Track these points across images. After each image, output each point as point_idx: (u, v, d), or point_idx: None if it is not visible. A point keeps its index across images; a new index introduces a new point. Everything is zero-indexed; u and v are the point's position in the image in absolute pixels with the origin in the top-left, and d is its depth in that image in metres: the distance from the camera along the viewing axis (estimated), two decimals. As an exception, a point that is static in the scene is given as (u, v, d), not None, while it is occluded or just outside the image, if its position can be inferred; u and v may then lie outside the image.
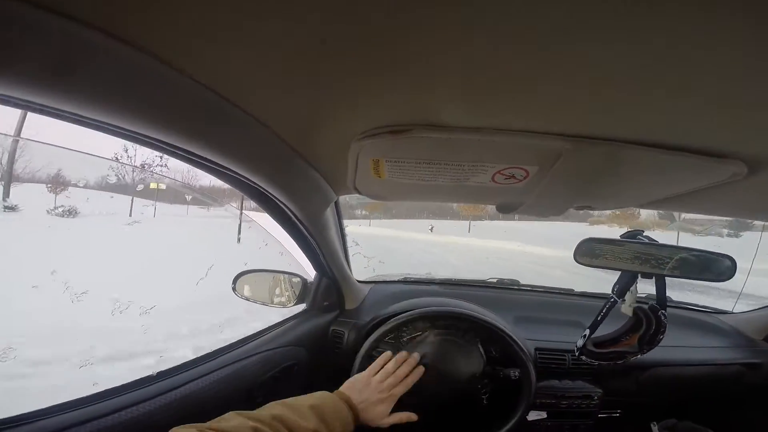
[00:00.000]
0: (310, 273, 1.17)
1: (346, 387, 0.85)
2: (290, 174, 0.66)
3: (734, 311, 1.50)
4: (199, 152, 0.51)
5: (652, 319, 0.90)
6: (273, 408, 0.67)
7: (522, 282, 1.53)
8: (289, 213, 0.80)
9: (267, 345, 1.00)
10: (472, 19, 0.27)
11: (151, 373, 0.77)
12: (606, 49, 0.30)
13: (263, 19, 0.29)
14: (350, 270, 1.25)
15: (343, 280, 1.19)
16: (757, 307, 1.45)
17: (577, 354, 0.95)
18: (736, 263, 0.93)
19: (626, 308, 0.90)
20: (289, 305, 1.14)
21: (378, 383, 0.86)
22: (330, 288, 1.19)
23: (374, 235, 16.31)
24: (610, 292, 1.47)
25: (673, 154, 0.47)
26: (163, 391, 0.74)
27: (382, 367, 0.89)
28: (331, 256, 1.06)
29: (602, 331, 0.98)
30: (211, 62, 0.36)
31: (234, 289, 1.05)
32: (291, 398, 0.71)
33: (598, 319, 0.93)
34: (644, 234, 0.99)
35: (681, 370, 1.24)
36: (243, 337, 1.00)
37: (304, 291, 1.15)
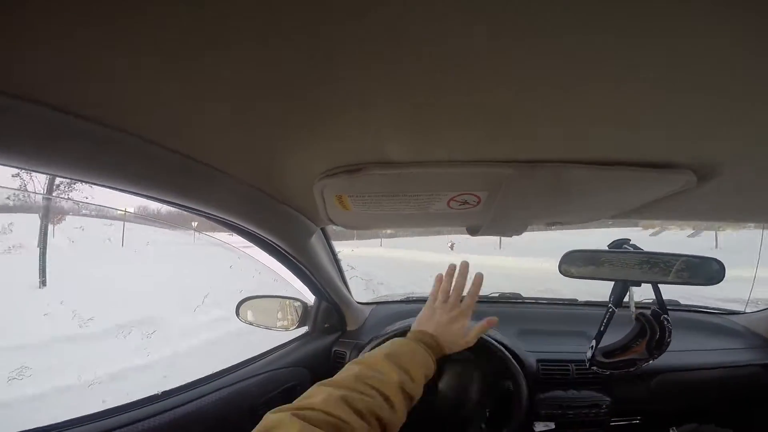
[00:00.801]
0: (309, 297, 1.21)
1: (415, 325, 0.79)
2: (266, 214, 0.70)
3: (746, 311, 1.45)
4: (176, 201, 0.56)
5: (655, 325, 0.91)
6: (351, 369, 0.62)
7: (524, 295, 1.53)
8: (275, 246, 0.84)
9: (270, 366, 1.04)
10: (402, 57, 0.28)
11: (156, 392, 0.82)
12: (538, 72, 0.30)
13: (197, 82, 0.31)
14: (349, 292, 1.28)
15: (342, 302, 1.22)
16: (768, 307, 1.40)
17: (587, 365, 0.95)
18: (724, 266, 0.93)
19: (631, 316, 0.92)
20: (292, 329, 1.18)
21: (442, 304, 0.80)
22: (330, 310, 1.23)
23: (379, 256, 15.33)
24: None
25: (621, 170, 0.48)
26: (167, 408, 0.78)
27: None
28: (327, 281, 1.10)
29: (610, 340, 0.99)
30: (171, 127, 0.40)
31: (237, 314, 1.11)
32: (366, 352, 0.67)
33: (601, 329, 0.94)
34: (631, 243, 1.01)
35: (695, 374, 1.20)
36: (246, 358, 1.05)
37: (305, 314, 1.20)
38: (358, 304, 1.35)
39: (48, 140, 0.36)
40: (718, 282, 0.93)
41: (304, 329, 1.22)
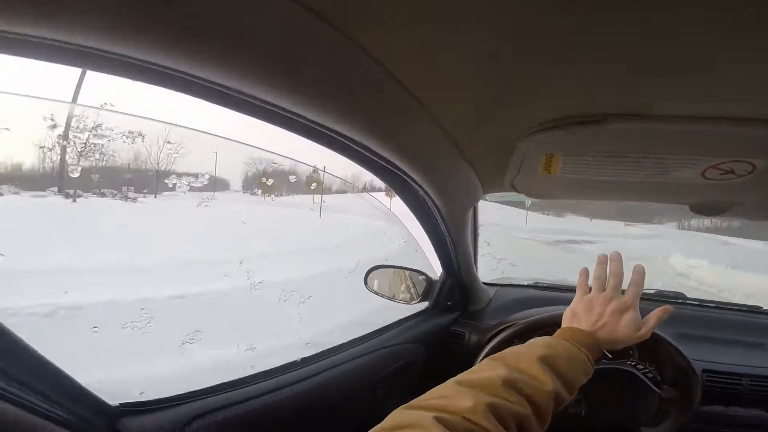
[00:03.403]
0: (435, 271, 1.15)
1: (567, 321, 0.69)
2: (446, 169, 0.63)
3: None
4: (351, 134, 0.48)
5: None
6: (495, 368, 0.52)
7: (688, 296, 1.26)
8: (433, 209, 0.77)
9: (389, 341, 1.02)
10: None
11: (296, 358, 0.84)
12: None
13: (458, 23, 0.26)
14: (477, 271, 1.20)
15: (469, 280, 1.15)
16: None
17: None
18: None
19: None
20: (413, 302, 1.14)
21: (598, 294, 0.67)
22: (454, 288, 1.16)
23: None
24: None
25: None
26: (302, 378, 0.79)
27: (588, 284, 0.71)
28: (463, 255, 1.03)
29: None
30: (402, 50, 0.33)
31: (366, 282, 1.09)
32: (510, 349, 0.58)
33: None
34: None
35: None
36: (370, 331, 1.03)
37: (428, 289, 1.14)
38: (483, 285, 1.26)
39: None
40: None
41: (424, 304, 1.17)
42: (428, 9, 0.27)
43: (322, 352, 0.90)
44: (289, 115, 0.42)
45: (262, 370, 0.77)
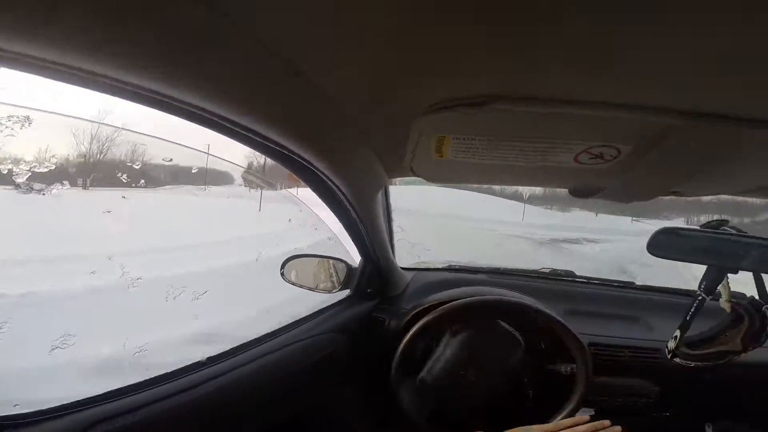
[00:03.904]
0: (354, 259, 1.15)
1: None
2: (346, 152, 0.63)
3: None
4: (251, 125, 0.47)
5: (755, 315, 0.85)
6: None
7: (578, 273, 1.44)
8: (341, 195, 0.77)
9: (310, 332, 1.00)
10: None
11: (200, 358, 0.78)
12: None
13: None
14: (394, 256, 1.23)
15: (387, 266, 1.17)
16: None
17: (669, 356, 0.90)
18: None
19: (723, 304, 0.85)
20: (334, 291, 1.13)
21: None
22: (373, 274, 1.17)
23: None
24: (677, 285, 1.37)
25: None
26: (212, 376, 0.74)
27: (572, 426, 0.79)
28: (378, 241, 1.04)
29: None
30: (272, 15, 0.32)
31: (282, 274, 1.04)
32: None
33: (688, 318, 0.87)
34: (729, 224, 0.90)
35: (749, 371, 1.15)
36: (286, 324, 1.00)
37: (348, 277, 1.13)
38: (401, 270, 1.30)
39: None
40: None
41: (346, 292, 1.16)
42: None
43: (233, 348, 0.84)
44: (189, 108, 0.40)
45: (164, 372, 0.70)
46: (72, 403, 0.55)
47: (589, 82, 0.37)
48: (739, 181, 0.64)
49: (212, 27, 0.31)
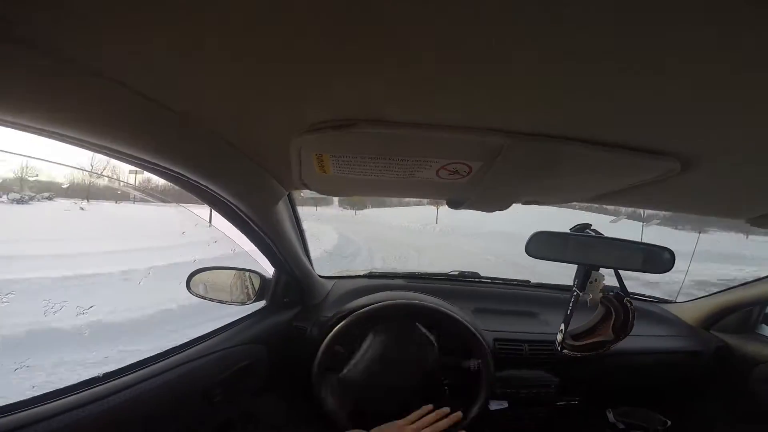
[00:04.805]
0: (268, 269, 1.15)
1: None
2: (234, 172, 0.64)
3: (677, 301, 1.60)
4: (137, 154, 0.49)
5: (619, 307, 0.94)
6: None
7: (482, 274, 1.56)
8: (237, 211, 0.77)
9: (224, 343, 0.98)
10: (416, 19, 0.27)
11: (97, 374, 0.74)
12: (543, 50, 0.29)
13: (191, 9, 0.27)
14: (311, 265, 1.24)
15: (303, 275, 1.18)
16: (697, 297, 1.55)
17: (559, 348, 0.98)
18: (674, 255, 0.99)
19: (590, 300, 0.93)
20: (248, 303, 1.12)
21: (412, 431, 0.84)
22: (290, 284, 1.18)
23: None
24: (564, 282, 1.53)
25: (610, 151, 0.48)
26: (111, 392, 0.71)
27: (421, 418, 0.87)
28: (289, 252, 1.04)
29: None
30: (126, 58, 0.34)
31: (189, 287, 1.01)
32: None
33: (568, 313, 0.96)
34: (592, 228, 1.04)
35: (633, 359, 1.30)
36: (197, 336, 0.97)
37: (263, 287, 1.13)
38: (320, 278, 1.31)
39: None
40: (668, 270, 0.98)
41: (261, 304, 1.16)
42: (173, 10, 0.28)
43: (135, 362, 0.81)
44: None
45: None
46: None
47: (437, 109, 0.42)
48: (578, 191, 0.72)
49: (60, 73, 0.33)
